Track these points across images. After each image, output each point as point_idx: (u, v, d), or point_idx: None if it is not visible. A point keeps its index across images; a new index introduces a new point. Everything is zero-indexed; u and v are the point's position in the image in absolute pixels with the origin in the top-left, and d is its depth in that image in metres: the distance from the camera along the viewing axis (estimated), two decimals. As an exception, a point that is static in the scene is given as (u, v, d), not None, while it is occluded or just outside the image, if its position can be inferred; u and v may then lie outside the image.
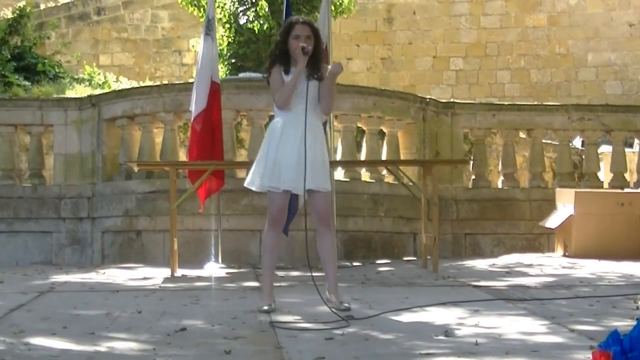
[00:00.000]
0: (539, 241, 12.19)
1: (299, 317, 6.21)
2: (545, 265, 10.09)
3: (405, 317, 6.26)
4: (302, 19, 6.82)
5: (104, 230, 11.66)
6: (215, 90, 10.25)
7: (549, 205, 11.74)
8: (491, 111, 12.82)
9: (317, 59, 6.62)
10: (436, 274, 9.19)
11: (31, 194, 11.94)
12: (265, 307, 6.47)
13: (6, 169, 12.16)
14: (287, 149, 6.49)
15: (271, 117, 11.64)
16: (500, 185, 12.68)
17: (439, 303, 6.82)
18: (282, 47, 6.63)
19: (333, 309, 6.30)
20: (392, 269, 10.06)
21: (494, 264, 10.39)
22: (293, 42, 6.55)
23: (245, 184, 6.76)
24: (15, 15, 18.83)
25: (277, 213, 6.65)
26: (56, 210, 11.85)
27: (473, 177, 12.57)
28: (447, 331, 5.60)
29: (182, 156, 11.48)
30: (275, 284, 6.82)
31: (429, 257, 9.86)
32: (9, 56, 16.85)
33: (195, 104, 10.18)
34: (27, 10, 19.03)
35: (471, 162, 12.32)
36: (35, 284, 8.67)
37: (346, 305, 6.47)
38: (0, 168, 12.28)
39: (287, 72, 6.61)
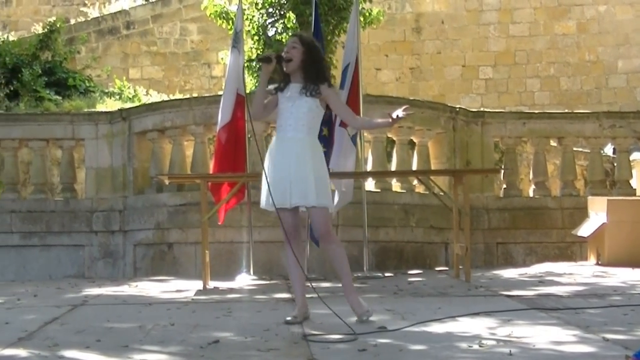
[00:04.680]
0: (572, 250, 12.12)
1: (331, 329, 6.19)
2: (578, 274, 10.02)
3: (438, 328, 6.23)
4: (296, 33, 6.87)
5: (136, 243, 11.71)
6: (240, 103, 10.28)
7: (581, 213, 11.67)
8: (521, 119, 12.77)
9: (311, 75, 6.56)
10: (468, 284, 9.15)
11: (63, 208, 12.01)
12: (289, 318, 6.51)
13: (38, 183, 12.25)
14: (277, 167, 6.51)
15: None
16: (531, 194, 12.62)
17: (471, 313, 6.79)
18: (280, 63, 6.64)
19: (344, 320, 6.27)
20: (424, 279, 10.03)
21: (526, 273, 10.33)
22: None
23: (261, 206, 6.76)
24: (46, 30, 18.99)
25: (289, 229, 6.63)
26: (88, 224, 11.92)
27: (504, 186, 12.52)
28: (480, 341, 5.57)
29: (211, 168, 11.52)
30: (307, 296, 6.80)
31: (461, 267, 9.83)
32: (40, 71, 16.97)
33: (221, 116, 10.23)
34: (58, 26, 19.18)
35: (502, 171, 12.28)
36: (69, 297, 8.71)
37: (364, 318, 6.46)
38: (33, 182, 12.39)
39: (282, 89, 6.64)
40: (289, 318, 6.51)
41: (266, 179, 6.53)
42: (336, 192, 10.55)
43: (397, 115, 6.50)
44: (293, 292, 6.97)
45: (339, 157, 10.39)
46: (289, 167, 6.45)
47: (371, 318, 6.48)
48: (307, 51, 6.59)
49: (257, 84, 16.49)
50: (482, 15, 23.19)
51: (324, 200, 6.54)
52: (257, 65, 16.94)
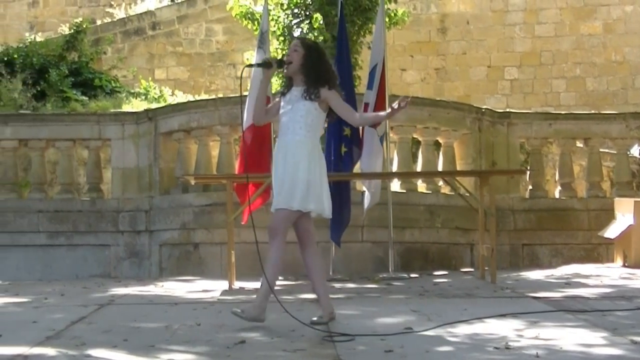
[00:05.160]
0: (598, 251, 12.07)
1: (357, 329, 6.18)
2: (605, 276, 9.96)
3: (465, 329, 6.22)
4: (299, 36, 6.90)
5: (162, 243, 11.75)
6: (266, 102, 10.30)
7: (607, 215, 11.61)
8: (547, 120, 12.73)
9: (311, 78, 6.57)
10: (494, 285, 9.12)
11: (90, 208, 12.07)
12: (315, 318, 6.58)
13: (65, 183, 12.32)
14: (278, 168, 6.58)
15: (326, 130, 11.73)
16: (557, 195, 12.56)
17: (498, 315, 6.77)
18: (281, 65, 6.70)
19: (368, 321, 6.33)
20: (449, 280, 10.01)
21: (552, 275, 10.29)
22: None
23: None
24: (73, 31, 19.08)
25: (297, 233, 6.83)
26: (114, 224, 11.97)
27: (530, 187, 12.48)
28: (507, 343, 5.56)
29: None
30: (332, 296, 6.81)
31: (486, 268, 9.80)
32: (67, 71, 17.05)
33: (247, 116, 10.24)
34: (84, 26, 19.28)
35: (528, 172, 12.24)
36: (95, 297, 8.75)
37: (315, 319, 6.48)
38: (60, 182, 12.46)
39: (284, 93, 6.69)
40: (315, 318, 6.53)
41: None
42: (366, 193, 10.57)
43: (399, 105, 6.45)
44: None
45: (370, 158, 10.41)
46: (284, 169, 6.50)
47: (397, 319, 6.47)
48: (308, 54, 6.59)
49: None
50: (508, 15, 23.10)
51: (312, 205, 6.54)
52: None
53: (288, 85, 6.70)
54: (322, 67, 6.64)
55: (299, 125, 6.53)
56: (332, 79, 6.66)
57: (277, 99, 6.78)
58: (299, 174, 6.45)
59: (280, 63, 6.63)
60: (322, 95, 6.54)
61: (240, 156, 10.40)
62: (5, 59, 17.75)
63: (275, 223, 6.62)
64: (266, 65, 6.61)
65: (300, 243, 6.76)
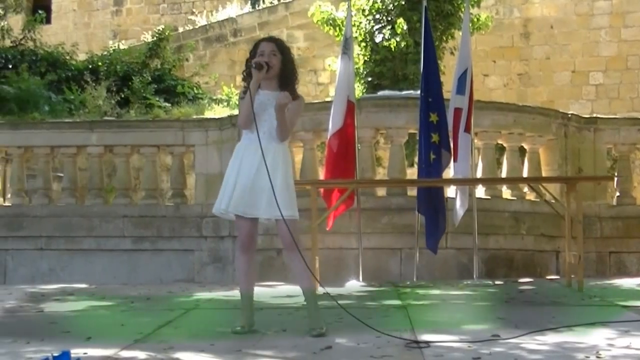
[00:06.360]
0: (687, 260, 11.83)
1: (444, 336, 6.12)
2: (696, 284, 9.77)
3: (553, 337, 6.11)
4: (267, 37, 6.71)
5: (245, 248, 11.76)
6: (350, 109, 10.33)
7: (698, 222, 11.38)
8: (636, 126, 12.49)
9: (285, 79, 6.39)
10: (581, 293, 8.97)
11: (174, 213, 12.16)
12: (238, 328, 6.46)
13: (149, 189, 12.44)
14: (243, 173, 6.31)
15: (410, 135, 11.70)
16: (645, 202, 12.35)
17: (587, 323, 6.65)
18: (249, 68, 6.40)
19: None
20: (535, 287, 9.89)
21: (641, 283, 10.12)
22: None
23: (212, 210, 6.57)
24: (155, 38, 19.34)
25: (245, 238, 6.51)
26: (198, 229, 12.04)
27: (617, 193, 12.27)
28: (597, 352, 5.45)
29: (321, 174, 11.53)
30: (417, 302, 6.74)
31: (572, 276, 9.65)
32: (150, 78, 17.29)
33: (332, 122, 10.26)
34: (166, 34, 19.54)
35: (615, 179, 12.03)
36: (180, 301, 8.81)
37: (317, 332, 6.30)
38: (144, 188, 12.59)
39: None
40: (238, 327, 6.45)
41: (224, 183, 6.40)
42: (457, 200, 10.49)
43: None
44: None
45: (465, 163, 10.36)
46: (258, 175, 6.26)
47: (483, 326, 6.38)
48: (285, 60, 6.42)
49: (365, 91, 16.54)
50: (593, 19, 22.78)
51: (289, 211, 6.30)
52: (365, 72, 16.98)
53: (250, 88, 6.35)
54: (295, 72, 6.48)
55: (272, 129, 6.33)
56: (296, 84, 6.51)
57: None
58: (276, 181, 6.21)
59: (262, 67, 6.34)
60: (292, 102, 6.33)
61: (326, 162, 10.42)
62: (90, 66, 18.08)
63: (287, 237, 6.33)
64: (259, 67, 6.39)
65: (249, 249, 6.56)
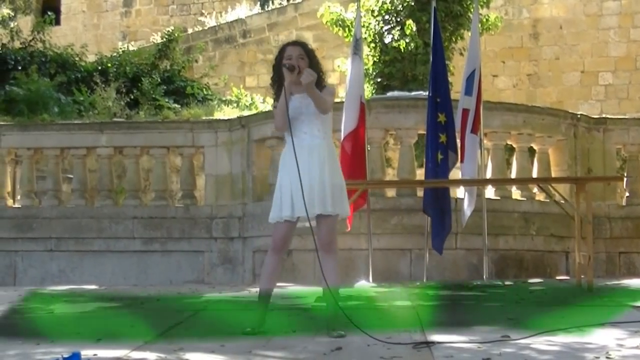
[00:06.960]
0: (697, 260, 11.81)
1: (454, 336, 6.12)
2: None
3: (563, 338, 6.10)
4: (293, 41, 6.71)
5: (255, 249, 11.79)
6: (362, 110, 10.34)
7: None
8: (645, 126, 12.49)
9: (317, 85, 6.37)
10: (591, 294, 8.96)
11: (183, 215, 12.18)
12: (248, 329, 6.46)
13: (159, 190, 12.46)
14: (285, 176, 6.43)
15: (420, 136, 11.70)
16: (655, 203, 12.32)
17: (597, 323, 6.64)
18: (278, 72, 6.45)
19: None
20: (545, 288, 9.88)
21: (651, 284, 10.10)
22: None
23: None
24: (164, 40, 19.36)
25: (279, 240, 6.66)
26: (208, 230, 12.06)
27: (627, 194, 12.26)
28: (607, 352, 5.44)
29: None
30: (426, 303, 6.74)
31: (582, 277, 9.64)
32: (159, 80, 17.29)
33: (345, 123, 10.26)
34: (176, 35, 19.55)
35: (625, 179, 12.01)
36: (190, 302, 8.81)
37: (337, 334, 6.27)
38: (154, 189, 12.61)
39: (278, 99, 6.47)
40: (247, 329, 6.46)
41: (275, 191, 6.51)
42: (465, 200, 10.49)
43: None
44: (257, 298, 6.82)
45: (472, 164, 10.36)
46: (310, 174, 6.32)
47: (494, 326, 6.38)
48: (312, 63, 6.44)
49: (374, 92, 16.54)
50: (602, 19, 22.74)
51: (334, 208, 6.41)
52: (374, 73, 16.98)
53: (282, 91, 6.38)
54: (322, 73, 6.50)
55: (317, 128, 6.39)
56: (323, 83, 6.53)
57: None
58: (326, 178, 6.34)
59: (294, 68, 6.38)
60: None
61: (340, 163, 10.41)
62: (100, 68, 18.10)
63: (333, 235, 6.50)
64: (292, 69, 6.42)
65: (280, 251, 6.72)
